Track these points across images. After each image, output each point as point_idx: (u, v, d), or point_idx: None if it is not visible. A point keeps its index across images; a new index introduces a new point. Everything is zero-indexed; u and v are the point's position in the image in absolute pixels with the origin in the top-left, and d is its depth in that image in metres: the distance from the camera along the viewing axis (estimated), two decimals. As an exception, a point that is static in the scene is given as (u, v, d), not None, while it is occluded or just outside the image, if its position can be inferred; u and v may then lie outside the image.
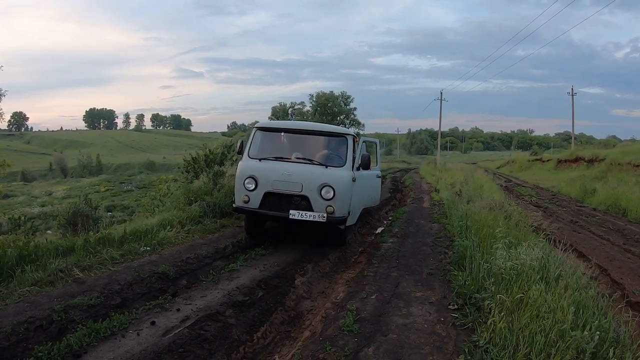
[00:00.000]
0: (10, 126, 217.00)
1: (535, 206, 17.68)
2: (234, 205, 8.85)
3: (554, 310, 4.45)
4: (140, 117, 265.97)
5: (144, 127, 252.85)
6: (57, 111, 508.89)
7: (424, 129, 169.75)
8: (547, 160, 46.86)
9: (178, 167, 16.41)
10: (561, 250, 6.58)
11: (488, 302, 5.19)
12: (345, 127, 60.49)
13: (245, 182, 8.50)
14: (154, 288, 6.30)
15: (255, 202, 8.48)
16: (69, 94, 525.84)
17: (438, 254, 8.65)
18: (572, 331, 4.10)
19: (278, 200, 8.45)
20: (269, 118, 71.65)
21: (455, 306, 5.79)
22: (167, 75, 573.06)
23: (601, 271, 8.40)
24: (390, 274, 7.31)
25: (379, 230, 11.95)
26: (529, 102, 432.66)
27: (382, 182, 12.54)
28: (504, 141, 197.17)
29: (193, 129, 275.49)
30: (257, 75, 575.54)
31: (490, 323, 4.69)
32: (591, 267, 7.75)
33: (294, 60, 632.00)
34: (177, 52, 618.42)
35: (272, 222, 9.97)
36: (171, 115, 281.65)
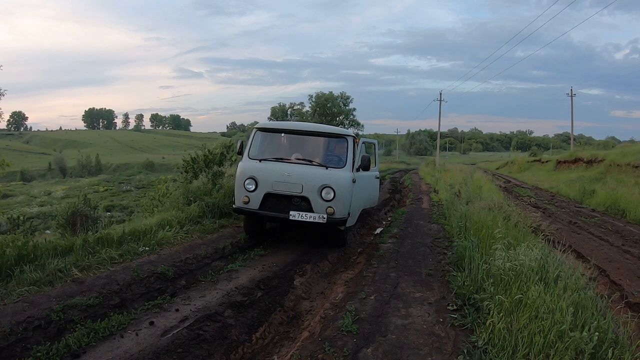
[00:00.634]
0: (10, 126, 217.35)
1: (534, 207, 17.70)
2: (233, 206, 8.84)
3: (553, 311, 4.45)
4: (140, 117, 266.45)
5: (143, 127, 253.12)
6: (56, 111, 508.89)
7: (423, 129, 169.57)
8: (546, 161, 46.87)
9: (177, 167, 16.34)
10: (560, 251, 6.58)
11: (487, 302, 5.18)
12: (345, 127, 60.49)
13: (246, 182, 8.50)
14: (152, 288, 6.30)
15: (255, 203, 8.48)
16: (68, 94, 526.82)
17: (437, 255, 8.65)
18: (571, 332, 4.10)
19: (278, 201, 8.46)
20: (268, 118, 71.67)
21: (454, 307, 5.79)
22: (167, 75, 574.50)
23: (600, 272, 8.40)
24: (389, 274, 7.31)
25: (378, 230, 11.94)
26: (529, 103, 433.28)
27: (381, 183, 12.54)
28: (503, 142, 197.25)
29: (192, 129, 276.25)
30: (257, 76, 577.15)
31: (489, 324, 4.70)
32: (590, 268, 7.75)
33: (294, 61, 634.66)
34: (177, 52, 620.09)
35: (271, 223, 9.97)
36: (170, 115, 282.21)
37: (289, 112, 75.64)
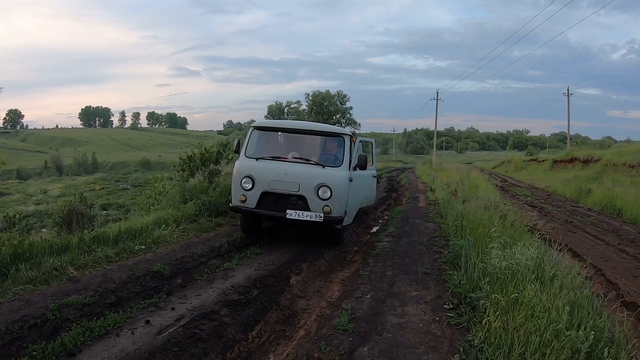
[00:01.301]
0: (6, 124, 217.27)
1: (530, 206, 17.74)
2: (230, 204, 8.85)
3: (549, 310, 4.45)
4: (136, 116, 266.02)
5: (139, 126, 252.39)
6: (52, 109, 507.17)
7: (420, 128, 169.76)
8: (543, 161, 46.93)
9: (174, 166, 16.34)
10: (556, 250, 6.59)
11: (483, 301, 5.19)
12: (342, 126, 60.50)
13: (242, 181, 8.50)
14: (148, 287, 6.29)
15: (252, 202, 8.48)
16: (64, 92, 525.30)
17: (433, 254, 8.66)
18: (567, 331, 4.10)
19: (275, 200, 8.47)
20: (264, 117, 71.58)
21: (451, 305, 5.80)
22: (164, 74, 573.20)
23: (596, 271, 8.43)
24: (385, 273, 7.31)
25: (375, 229, 11.96)
26: (525, 103, 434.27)
27: (378, 182, 12.55)
28: (500, 141, 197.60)
29: (189, 127, 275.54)
30: (254, 74, 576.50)
31: (485, 322, 4.70)
32: (586, 267, 7.75)
33: (291, 60, 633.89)
34: (174, 51, 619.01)
35: (268, 222, 9.97)
36: (167, 113, 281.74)
37: (285, 111, 75.61)
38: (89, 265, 6.78)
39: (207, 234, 9.65)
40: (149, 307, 5.65)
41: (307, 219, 8.26)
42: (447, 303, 5.90)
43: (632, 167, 23.31)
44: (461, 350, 4.47)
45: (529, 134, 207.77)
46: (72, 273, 6.35)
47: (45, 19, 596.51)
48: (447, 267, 7.46)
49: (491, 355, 4.22)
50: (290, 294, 6.62)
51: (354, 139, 9.55)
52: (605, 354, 3.88)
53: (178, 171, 15.04)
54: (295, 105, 76.84)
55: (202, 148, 14.57)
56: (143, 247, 8.03)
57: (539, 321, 4.32)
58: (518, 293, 4.87)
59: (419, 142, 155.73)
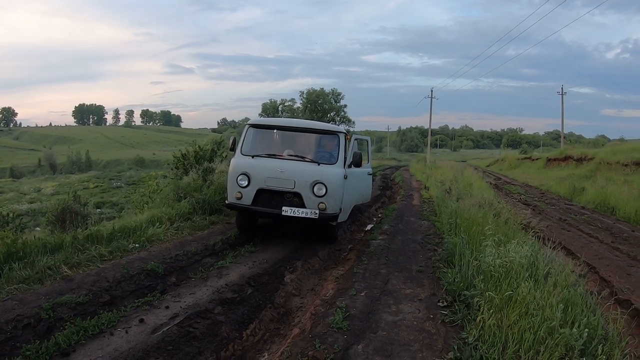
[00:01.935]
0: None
1: (524, 204, 17.76)
2: (226, 201, 8.85)
3: (543, 308, 4.47)
4: (130, 113, 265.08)
5: (133, 123, 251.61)
6: (46, 107, 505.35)
7: (414, 126, 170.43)
8: (537, 159, 47.13)
9: (167, 164, 16.35)
10: (550, 248, 6.61)
11: (477, 299, 5.20)
12: (336, 124, 60.54)
13: (238, 178, 8.52)
14: (142, 285, 6.28)
15: (248, 199, 8.49)
16: (58, 90, 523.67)
17: (427, 251, 8.68)
18: (560, 328, 4.12)
19: (271, 197, 8.49)
20: (259, 115, 71.47)
21: (445, 303, 5.81)
22: (158, 71, 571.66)
23: (590, 269, 8.45)
24: (379, 271, 7.32)
25: (369, 227, 11.96)
26: (520, 101, 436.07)
27: (372, 180, 12.56)
28: (494, 139, 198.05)
29: (183, 125, 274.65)
30: (248, 72, 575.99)
31: (480, 320, 4.71)
32: (580, 264, 7.80)
33: (286, 57, 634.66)
34: (168, 48, 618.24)
35: (263, 219, 9.97)
36: (161, 111, 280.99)
37: (280, 109, 75.58)
38: (82, 264, 6.76)
39: (201, 232, 9.63)
40: (143, 306, 5.63)
41: (302, 215, 8.28)
42: (441, 301, 5.91)
43: (626, 165, 23.42)
44: (455, 347, 4.48)
45: (523, 133, 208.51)
46: (65, 272, 6.33)
47: (40, 16, 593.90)
48: (441, 265, 7.48)
49: (485, 352, 4.22)
50: (284, 292, 6.62)
51: (348, 137, 9.57)
52: (599, 351, 3.90)
53: (172, 169, 14.99)
54: (289, 103, 76.85)
55: (196, 146, 14.53)
56: (137, 245, 8.01)
57: (533, 319, 4.33)
58: (512, 291, 4.88)
59: (413, 140, 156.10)
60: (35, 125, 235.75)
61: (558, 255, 6.65)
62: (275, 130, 9.67)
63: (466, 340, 4.63)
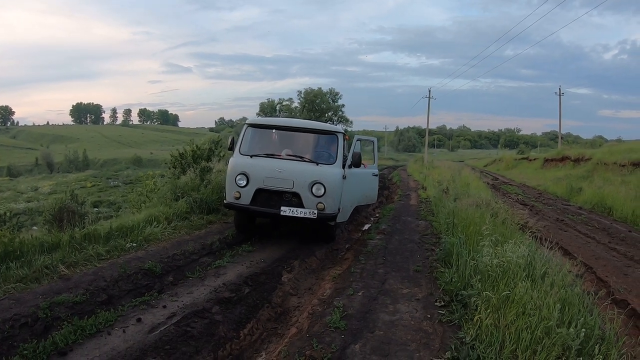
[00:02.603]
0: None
1: (521, 204, 17.80)
2: (225, 201, 8.87)
3: (540, 308, 4.48)
4: (128, 112, 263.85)
5: (131, 122, 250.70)
6: (43, 105, 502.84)
7: (412, 126, 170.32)
8: (534, 159, 47.17)
9: (165, 163, 16.34)
10: (547, 248, 6.62)
11: (474, 299, 5.21)
12: (334, 124, 60.56)
13: (237, 178, 8.53)
14: (140, 284, 6.27)
15: (246, 199, 8.51)
16: (56, 88, 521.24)
17: (425, 251, 8.68)
18: (557, 328, 4.13)
19: (269, 197, 8.52)
20: (256, 114, 71.47)
21: (442, 303, 5.82)
22: (156, 70, 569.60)
23: (587, 269, 8.47)
24: (377, 270, 7.33)
25: (366, 227, 12.00)
26: (517, 102, 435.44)
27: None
28: (492, 140, 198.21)
29: (180, 124, 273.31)
30: (246, 71, 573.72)
31: (477, 320, 4.71)
32: (577, 265, 7.81)
33: (283, 57, 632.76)
34: (166, 47, 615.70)
35: (261, 218, 9.98)
36: (159, 110, 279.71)
37: (277, 108, 75.56)
38: (80, 263, 6.75)
39: (198, 231, 9.64)
40: (140, 305, 5.63)
41: (301, 215, 8.30)
42: (438, 300, 5.92)
43: (623, 166, 23.44)
44: (453, 347, 4.48)
45: (521, 133, 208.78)
46: (63, 271, 6.32)
47: (38, 15, 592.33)
48: (438, 265, 7.48)
49: (483, 352, 4.23)
50: (281, 292, 6.62)
51: (346, 137, 9.58)
52: (596, 351, 3.91)
53: (169, 168, 14.99)
54: (287, 102, 76.83)
55: (194, 145, 14.53)
56: (134, 244, 8.01)
57: (530, 318, 4.34)
58: (509, 290, 4.89)
59: (411, 140, 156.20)
60: (32, 124, 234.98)
61: (555, 255, 6.67)
62: (273, 130, 9.69)
63: (463, 339, 4.63)
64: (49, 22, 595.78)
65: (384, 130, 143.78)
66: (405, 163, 69.08)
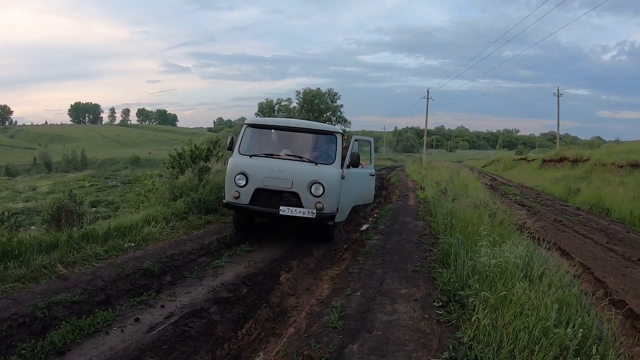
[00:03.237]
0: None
1: (519, 205, 17.80)
2: (224, 201, 8.89)
3: (538, 308, 4.48)
4: (126, 112, 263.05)
5: (129, 122, 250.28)
6: (41, 105, 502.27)
7: (410, 127, 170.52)
8: (532, 160, 47.18)
9: (163, 163, 16.35)
10: (545, 248, 6.62)
11: (472, 299, 5.21)
12: (332, 124, 60.61)
13: (236, 178, 8.55)
14: (138, 284, 6.27)
15: (245, 198, 8.54)
16: (54, 88, 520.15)
17: (423, 252, 8.69)
18: (555, 328, 4.13)
19: (268, 197, 8.55)
20: (255, 114, 71.46)
21: (440, 303, 5.82)
22: (155, 70, 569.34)
23: (584, 269, 8.48)
24: (375, 270, 7.33)
25: (364, 227, 12.00)
26: (516, 102, 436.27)
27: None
28: (490, 140, 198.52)
29: (179, 124, 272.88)
30: (245, 71, 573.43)
31: (475, 320, 4.72)
32: (575, 265, 7.84)
33: (282, 57, 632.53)
34: (165, 47, 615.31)
35: (260, 218, 9.99)
36: (157, 110, 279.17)
37: (276, 108, 75.63)
38: (78, 262, 6.75)
39: (196, 231, 9.64)
40: (138, 305, 5.64)
41: (300, 215, 8.33)
42: (436, 301, 5.93)
43: (621, 167, 23.44)
44: (450, 347, 4.49)
45: (519, 134, 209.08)
46: (61, 271, 6.31)
47: (37, 14, 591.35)
48: (436, 265, 7.48)
49: (480, 352, 4.23)
50: (280, 292, 6.62)
51: (345, 137, 9.61)
52: (594, 351, 3.92)
53: (168, 168, 15.01)
54: (285, 102, 76.95)
55: (192, 145, 14.53)
56: (132, 244, 8.01)
57: (527, 319, 4.34)
58: (507, 291, 4.90)
59: (409, 140, 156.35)
60: (30, 124, 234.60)
61: (553, 255, 6.68)
62: (273, 130, 9.71)
63: (461, 340, 4.64)
64: (48, 22, 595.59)
65: (383, 130, 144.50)
66: (403, 163, 69.09)
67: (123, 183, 63.87)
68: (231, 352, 4.89)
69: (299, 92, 74.60)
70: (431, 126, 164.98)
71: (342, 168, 8.94)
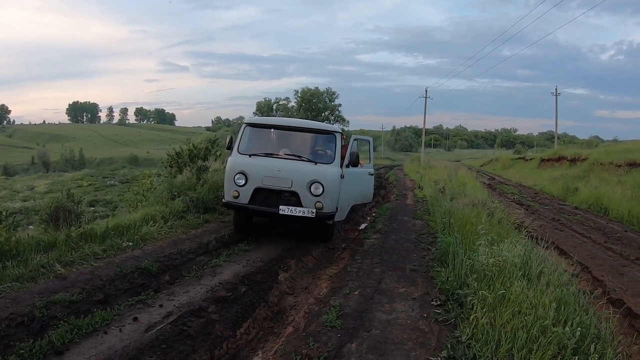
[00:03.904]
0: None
1: (517, 204, 17.81)
2: (223, 200, 8.90)
3: (536, 307, 4.49)
4: (124, 111, 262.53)
5: (127, 121, 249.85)
6: (39, 104, 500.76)
7: (408, 126, 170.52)
8: (530, 159, 47.25)
9: (161, 162, 16.35)
10: (543, 247, 6.64)
11: (470, 298, 5.22)
12: (330, 123, 60.61)
13: (236, 177, 8.56)
14: (136, 284, 6.26)
15: (245, 198, 8.55)
16: (52, 87, 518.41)
17: (421, 251, 8.70)
18: (553, 327, 4.14)
19: (268, 196, 8.56)
20: (253, 113, 71.48)
21: (438, 302, 5.83)
22: (152, 69, 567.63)
23: (582, 268, 8.49)
24: (373, 270, 7.34)
25: (363, 226, 12.00)
26: (514, 102, 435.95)
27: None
28: (488, 139, 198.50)
29: (177, 123, 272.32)
30: (243, 70, 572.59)
31: (473, 319, 4.73)
32: (573, 264, 7.85)
33: (280, 56, 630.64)
34: (163, 46, 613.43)
35: (259, 217, 9.99)
36: (155, 109, 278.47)
37: (274, 108, 75.58)
38: (76, 262, 6.74)
39: (195, 230, 9.64)
40: (136, 304, 5.63)
41: (299, 214, 8.34)
42: (434, 300, 5.93)
43: (619, 166, 23.47)
44: (449, 346, 4.49)
45: (517, 133, 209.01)
46: (59, 270, 6.30)
47: (34, 13, 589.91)
48: (434, 264, 7.49)
49: (479, 351, 4.24)
50: (278, 291, 6.62)
51: (344, 137, 9.62)
52: (592, 350, 3.92)
53: (166, 167, 15.03)
54: (284, 102, 76.88)
55: (190, 144, 14.54)
56: (130, 243, 8.00)
57: (526, 317, 4.35)
58: (505, 290, 4.91)
59: (408, 139, 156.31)
60: (28, 123, 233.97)
61: (551, 254, 6.69)
62: (272, 130, 9.72)
63: (459, 338, 4.64)
64: (46, 20, 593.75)
65: (381, 129, 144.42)
66: (401, 163, 69.11)
67: (121, 182, 63.92)
68: (229, 351, 4.89)
69: (297, 92, 74.61)
70: (429, 125, 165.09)
71: (341, 167, 8.95)
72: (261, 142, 9.43)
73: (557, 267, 5.87)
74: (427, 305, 5.76)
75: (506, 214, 11.10)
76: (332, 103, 74.36)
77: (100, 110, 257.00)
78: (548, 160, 38.91)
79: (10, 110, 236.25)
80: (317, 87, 74.32)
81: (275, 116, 58.41)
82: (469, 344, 4.45)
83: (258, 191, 8.55)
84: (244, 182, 8.55)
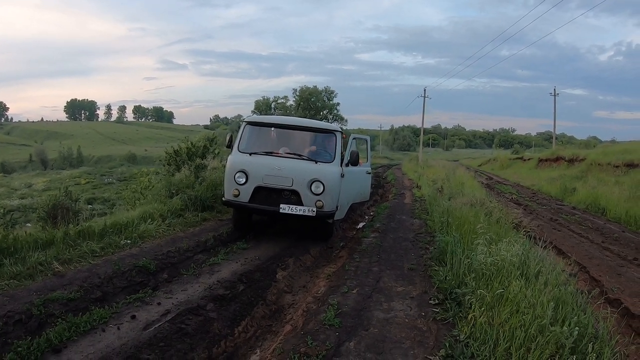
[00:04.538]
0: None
1: (515, 204, 17.81)
2: (223, 199, 8.90)
3: (534, 306, 4.49)
4: (122, 109, 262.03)
5: (125, 119, 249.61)
6: (38, 102, 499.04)
7: (407, 125, 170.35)
8: (528, 159, 47.24)
9: (160, 160, 16.31)
10: (541, 247, 6.64)
11: (468, 297, 5.22)
12: (329, 122, 60.65)
13: (236, 176, 8.55)
14: (134, 282, 6.26)
15: (245, 196, 8.55)
16: (50, 84, 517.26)
17: (419, 250, 8.71)
18: (551, 326, 4.14)
19: (268, 195, 8.56)
20: (252, 112, 71.67)
21: (436, 301, 5.83)
22: (151, 67, 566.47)
23: (580, 268, 8.49)
24: (371, 268, 7.34)
25: (361, 225, 12.01)
26: (512, 102, 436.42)
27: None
28: (486, 139, 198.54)
29: (175, 121, 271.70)
30: (241, 69, 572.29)
31: (471, 318, 4.73)
32: (570, 264, 7.86)
33: (279, 55, 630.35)
34: (161, 44, 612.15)
35: (258, 216, 9.99)
36: (153, 107, 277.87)
37: (273, 106, 75.64)
38: (74, 260, 6.74)
39: (193, 228, 9.64)
40: (134, 302, 5.62)
41: (300, 213, 8.36)
42: (432, 298, 5.93)
43: (617, 166, 23.48)
44: (447, 345, 4.50)
45: (515, 133, 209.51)
46: (57, 268, 6.30)
47: (33, 10, 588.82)
48: (432, 263, 7.49)
49: (477, 350, 4.24)
50: (276, 289, 6.63)
51: (344, 136, 9.63)
52: (589, 349, 3.92)
53: (164, 165, 15.00)
54: (282, 100, 76.95)
55: (189, 142, 14.53)
56: (129, 241, 8.00)
57: (523, 317, 4.35)
58: (503, 289, 4.91)
59: (406, 139, 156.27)
60: (26, 120, 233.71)
61: (549, 254, 6.68)
62: (272, 128, 9.72)
63: (457, 337, 4.65)
64: (45, 18, 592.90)
65: (379, 129, 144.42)
66: (400, 162, 69.11)
67: (119, 180, 63.75)
68: (227, 349, 4.89)
69: (295, 90, 74.84)
70: (428, 125, 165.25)
71: (341, 166, 8.96)
72: (261, 140, 9.42)
73: (555, 267, 5.87)
74: (425, 304, 5.77)
75: (504, 214, 11.11)
76: (331, 102, 74.56)
77: (99, 108, 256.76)
78: (546, 160, 38.91)
79: (8, 108, 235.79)
80: (316, 86, 74.63)
81: (274, 115, 58.45)
82: (467, 342, 4.45)
83: (258, 190, 8.54)
84: (244, 180, 8.55)
